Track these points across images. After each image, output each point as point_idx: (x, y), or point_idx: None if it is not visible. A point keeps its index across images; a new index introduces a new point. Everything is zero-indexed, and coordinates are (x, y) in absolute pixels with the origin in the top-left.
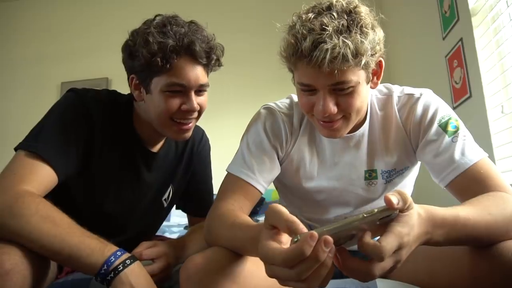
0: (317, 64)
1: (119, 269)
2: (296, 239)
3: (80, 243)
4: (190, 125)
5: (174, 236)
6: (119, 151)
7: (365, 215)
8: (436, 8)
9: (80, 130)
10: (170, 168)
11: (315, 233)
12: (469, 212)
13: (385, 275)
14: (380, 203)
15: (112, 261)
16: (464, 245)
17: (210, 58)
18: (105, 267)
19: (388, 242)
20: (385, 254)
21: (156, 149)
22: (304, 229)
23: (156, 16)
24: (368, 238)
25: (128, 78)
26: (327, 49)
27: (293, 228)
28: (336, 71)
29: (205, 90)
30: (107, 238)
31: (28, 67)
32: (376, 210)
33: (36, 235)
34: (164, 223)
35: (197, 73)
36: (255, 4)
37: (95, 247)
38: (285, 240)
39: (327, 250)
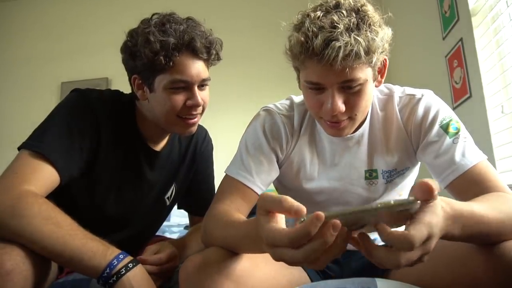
0: (328, 62)
1: (122, 273)
2: (302, 220)
3: (82, 246)
4: (195, 120)
5: (174, 236)
6: (122, 151)
7: (379, 206)
8: (436, 8)
9: (85, 131)
10: (173, 167)
11: (321, 213)
12: (482, 208)
13: (411, 265)
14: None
15: (114, 264)
16: (475, 241)
17: (210, 53)
18: (108, 270)
19: (418, 230)
20: (415, 243)
21: (159, 148)
22: (299, 205)
23: (153, 15)
24: (389, 229)
25: (129, 79)
26: (339, 47)
27: (288, 206)
28: (347, 69)
29: (207, 85)
30: (108, 235)
31: (28, 67)
32: (393, 202)
33: (37, 236)
34: (164, 223)
35: (199, 68)
36: (256, 2)
37: (97, 250)
38: (282, 223)
39: (334, 233)
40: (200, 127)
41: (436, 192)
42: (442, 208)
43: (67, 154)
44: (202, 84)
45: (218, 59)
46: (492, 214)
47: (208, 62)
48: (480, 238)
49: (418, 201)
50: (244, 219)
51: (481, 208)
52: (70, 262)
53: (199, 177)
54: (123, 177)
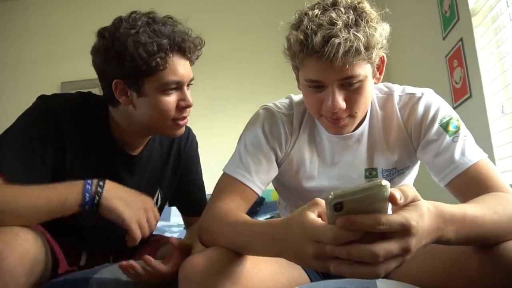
0: (328, 59)
1: (100, 191)
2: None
3: (53, 192)
4: (186, 120)
5: (174, 236)
6: (94, 157)
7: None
8: (436, 8)
9: (47, 139)
10: (156, 171)
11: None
12: (476, 210)
13: (393, 266)
14: None
15: (89, 189)
16: (472, 244)
17: (196, 53)
18: (87, 195)
19: (390, 217)
20: (383, 224)
21: (136, 152)
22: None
23: (131, 13)
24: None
25: (108, 84)
26: (339, 43)
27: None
28: (347, 66)
29: (192, 84)
30: (102, 248)
31: (28, 67)
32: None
33: (20, 209)
34: (164, 223)
35: (187, 68)
36: (253, 3)
37: (66, 188)
38: None
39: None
40: None
41: (401, 201)
42: (429, 210)
43: (26, 167)
44: (188, 84)
45: (197, 58)
46: (487, 215)
47: (192, 61)
48: (477, 240)
49: (387, 184)
50: (253, 219)
51: (474, 209)
52: (53, 211)
53: (188, 178)
54: None
